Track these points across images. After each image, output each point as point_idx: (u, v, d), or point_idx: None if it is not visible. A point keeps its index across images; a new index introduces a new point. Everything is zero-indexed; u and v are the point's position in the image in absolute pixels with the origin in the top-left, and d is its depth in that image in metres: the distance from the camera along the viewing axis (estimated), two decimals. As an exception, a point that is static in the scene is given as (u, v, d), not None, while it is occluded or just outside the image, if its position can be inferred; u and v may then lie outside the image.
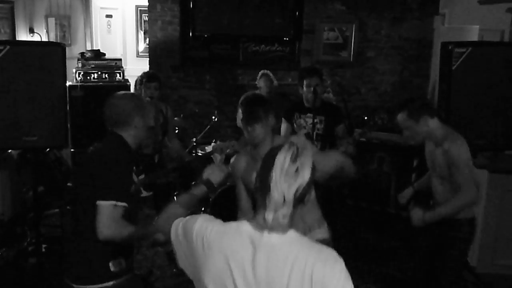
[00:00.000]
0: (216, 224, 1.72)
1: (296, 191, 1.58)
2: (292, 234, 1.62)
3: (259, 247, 1.59)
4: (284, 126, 4.56)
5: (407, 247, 4.80)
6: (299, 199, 1.61)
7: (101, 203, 2.31)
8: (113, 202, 2.32)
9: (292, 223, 1.63)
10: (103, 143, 2.57)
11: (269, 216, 1.59)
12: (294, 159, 1.59)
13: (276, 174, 1.58)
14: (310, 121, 4.29)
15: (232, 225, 1.70)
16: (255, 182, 1.72)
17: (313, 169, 1.64)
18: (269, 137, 2.73)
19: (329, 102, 4.91)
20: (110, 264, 2.41)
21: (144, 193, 3.76)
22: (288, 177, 1.58)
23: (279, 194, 1.58)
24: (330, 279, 1.53)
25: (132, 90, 4.55)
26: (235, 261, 1.60)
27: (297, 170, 1.58)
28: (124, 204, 2.35)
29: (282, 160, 1.58)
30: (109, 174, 2.39)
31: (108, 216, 2.31)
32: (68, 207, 4.85)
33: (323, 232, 2.89)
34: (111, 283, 2.41)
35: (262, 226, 1.61)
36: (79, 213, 2.47)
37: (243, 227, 1.65)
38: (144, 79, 4.28)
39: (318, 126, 4.39)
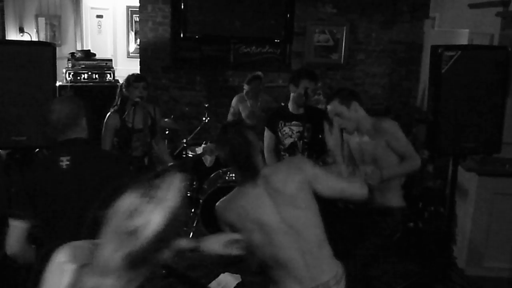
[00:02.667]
0: None
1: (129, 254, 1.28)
2: None
3: None
4: (267, 136, 4.34)
5: (395, 249, 4.82)
6: (135, 262, 1.30)
7: None
8: None
9: None
10: (79, 150, 2.48)
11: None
12: (131, 215, 1.26)
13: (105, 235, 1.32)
14: (296, 129, 4.14)
15: None
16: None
17: (166, 226, 1.26)
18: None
19: (314, 107, 4.70)
20: None
21: None
22: (119, 239, 1.28)
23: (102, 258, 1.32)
24: None
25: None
26: None
27: (134, 231, 1.25)
28: None
29: (118, 218, 1.28)
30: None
31: None
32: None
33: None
34: None
35: None
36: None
37: None
38: (131, 79, 4.26)
39: (305, 134, 4.23)
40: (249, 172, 2.36)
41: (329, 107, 3.25)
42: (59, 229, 2.42)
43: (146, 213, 1.23)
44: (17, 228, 2.37)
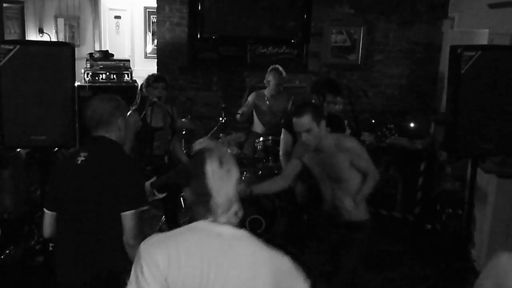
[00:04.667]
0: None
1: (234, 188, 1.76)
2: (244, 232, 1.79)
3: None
4: (285, 138, 4.36)
5: (413, 251, 4.78)
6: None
7: (127, 213, 2.38)
8: (139, 209, 2.41)
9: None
10: (97, 149, 2.54)
11: (222, 219, 1.76)
12: (220, 164, 1.75)
13: (213, 182, 1.73)
14: None
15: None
16: (190, 196, 1.83)
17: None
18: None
19: (333, 114, 4.72)
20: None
21: (158, 195, 3.73)
22: (224, 180, 1.74)
23: (224, 196, 1.74)
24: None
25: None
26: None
27: (227, 172, 1.75)
28: (145, 207, 2.45)
29: (212, 168, 1.73)
30: (133, 181, 2.45)
31: (135, 225, 2.38)
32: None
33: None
34: None
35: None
36: (96, 220, 2.45)
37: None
38: (151, 80, 4.30)
39: None
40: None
41: (301, 120, 3.21)
42: (68, 220, 2.52)
43: (227, 163, 1.79)
44: (48, 216, 2.59)
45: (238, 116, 5.47)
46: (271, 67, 5.56)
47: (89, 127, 2.58)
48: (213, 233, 1.73)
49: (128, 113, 4.23)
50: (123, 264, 2.31)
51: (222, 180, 1.75)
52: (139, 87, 4.35)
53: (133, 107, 4.27)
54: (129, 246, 2.38)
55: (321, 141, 3.24)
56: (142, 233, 2.36)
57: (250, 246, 1.78)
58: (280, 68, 5.50)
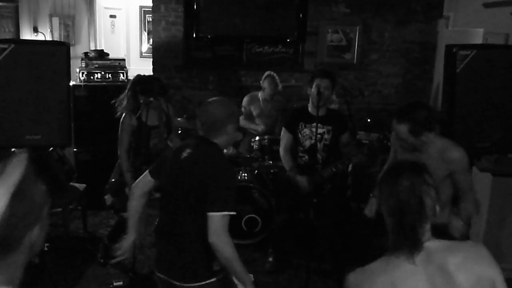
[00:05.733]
0: None
1: None
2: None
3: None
4: (285, 136, 4.40)
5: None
6: None
7: (215, 214, 2.47)
8: (226, 213, 2.49)
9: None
10: (200, 149, 2.70)
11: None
12: None
13: None
14: (317, 131, 4.16)
15: None
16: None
17: (14, 202, 1.17)
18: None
19: (335, 110, 4.75)
20: (214, 264, 2.60)
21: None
22: None
23: None
24: None
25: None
26: None
27: None
28: (233, 212, 2.53)
29: None
30: (225, 185, 2.55)
31: (221, 226, 2.47)
32: (70, 206, 4.86)
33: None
34: (214, 279, 2.61)
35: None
36: (184, 217, 2.63)
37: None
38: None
39: (325, 136, 4.30)
40: (408, 241, 1.75)
41: (398, 126, 3.03)
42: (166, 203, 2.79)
43: None
44: (147, 177, 2.86)
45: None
46: (266, 73, 5.62)
47: (199, 128, 2.76)
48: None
49: (123, 115, 4.23)
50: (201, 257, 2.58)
51: None
52: (128, 86, 4.31)
53: (124, 104, 4.23)
54: (215, 244, 2.48)
55: (423, 145, 3.07)
56: (227, 238, 2.49)
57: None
58: (276, 77, 5.56)
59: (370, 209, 3.65)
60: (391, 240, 1.79)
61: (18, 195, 1.18)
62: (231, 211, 2.51)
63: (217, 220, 2.47)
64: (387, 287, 1.72)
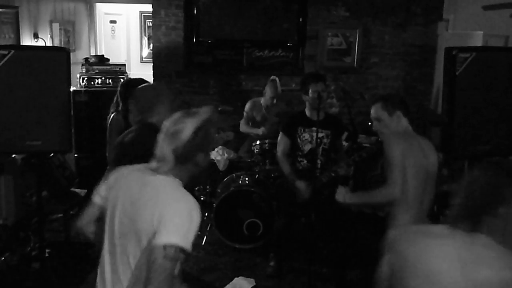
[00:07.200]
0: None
1: (175, 149, 1.98)
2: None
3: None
4: (282, 141, 4.40)
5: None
6: (181, 156, 1.99)
7: None
8: None
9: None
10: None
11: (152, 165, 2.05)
12: (175, 123, 2.01)
13: (160, 137, 2.03)
14: (315, 135, 4.15)
15: None
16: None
17: (198, 131, 1.98)
18: None
19: (332, 114, 4.76)
20: None
21: None
22: (167, 138, 2.00)
23: (159, 151, 2.03)
24: None
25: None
26: None
27: (176, 132, 1.98)
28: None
29: (167, 124, 2.03)
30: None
31: None
32: (71, 212, 4.86)
33: None
34: None
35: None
36: None
37: None
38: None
39: (324, 140, 4.31)
40: (468, 220, 1.89)
41: (372, 108, 3.25)
42: None
43: (184, 122, 1.99)
44: None
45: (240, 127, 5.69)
46: (271, 77, 5.65)
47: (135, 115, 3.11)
48: None
49: (112, 117, 4.23)
50: None
51: (166, 137, 2.07)
52: (119, 88, 4.32)
53: (113, 109, 4.24)
54: None
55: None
56: None
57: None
58: (278, 82, 5.60)
59: (340, 193, 3.44)
60: (453, 214, 1.92)
61: (200, 129, 1.99)
62: None
63: None
64: (421, 246, 1.91)
